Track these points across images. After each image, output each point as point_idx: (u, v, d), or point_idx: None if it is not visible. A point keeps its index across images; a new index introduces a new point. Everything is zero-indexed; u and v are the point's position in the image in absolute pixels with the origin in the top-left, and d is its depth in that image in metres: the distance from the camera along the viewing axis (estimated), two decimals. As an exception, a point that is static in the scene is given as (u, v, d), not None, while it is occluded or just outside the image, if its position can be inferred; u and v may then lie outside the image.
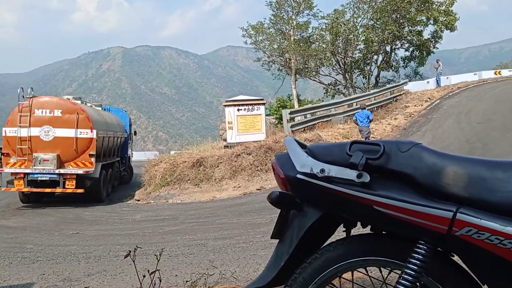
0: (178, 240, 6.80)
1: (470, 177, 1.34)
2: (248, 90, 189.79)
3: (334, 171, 1.47)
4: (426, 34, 28.96)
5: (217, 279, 3.80)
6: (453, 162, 1.39)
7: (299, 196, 1.56)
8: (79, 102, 13.66)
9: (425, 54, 29.25)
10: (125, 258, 2.63)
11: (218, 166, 13.70)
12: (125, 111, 19.72)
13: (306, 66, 29.34)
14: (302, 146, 1.65)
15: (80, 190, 12.19)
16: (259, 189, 12.12)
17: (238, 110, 15.62)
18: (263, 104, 16.46)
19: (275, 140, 14.10)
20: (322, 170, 1.48)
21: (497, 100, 17.71)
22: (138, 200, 13.52)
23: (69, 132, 12.15)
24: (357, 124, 14.94)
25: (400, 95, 22.97)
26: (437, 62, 26.64)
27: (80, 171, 12.17)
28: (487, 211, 1.29)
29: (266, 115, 19.35)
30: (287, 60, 29.12)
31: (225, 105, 16.22)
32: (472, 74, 31.30)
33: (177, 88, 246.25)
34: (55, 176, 12.06)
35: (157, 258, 2.70)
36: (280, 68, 30.10)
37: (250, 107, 15.88)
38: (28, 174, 11.96)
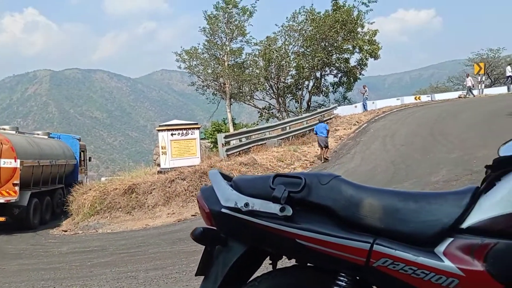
0: (107, 273, 6.46)
1: (385, 208, 1.39)
2: (183, 114, 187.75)
3: (258, 205, 1.47)
4: (353, 62, 30.57)
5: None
6: (369, 194, 1.44)
7: (223, 231, 1.54)
8: (13, 132, 14.50)
9: (352, 80, 30.78)
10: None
11: (151, 193, 13.31)
12: (77, 138, 19.92)
13: (241, 90, 29.72)
14: (227, 178, 1.64)
15: (2, 219, 12.55)
16: (194, 215, 11.88)
17: (172, 134, 15.40)
18: (198, 128, 16.37)
19: (210, 165, 14.01)
20: (246, 204, 1.48)
21: (417, 124, 18.93)
22: (65, 231, 12.76)
23: None
24: (316, 135, 16.21)
25: (330, 118, 23.93)
26: (364, 88, 28.18)
27: (2, 200, 12.39)
28: (402, 242, 1.34)
29: (201, 139, 19.24)
30: (222, 84, 29.30)
31: (159, 130, 15.93)
32: (395, 99, 33.43)
33: (109, 112, 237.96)
34: None
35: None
36: (215, 92, 30.17)
37: (184, 131, 15.72)
38: None
